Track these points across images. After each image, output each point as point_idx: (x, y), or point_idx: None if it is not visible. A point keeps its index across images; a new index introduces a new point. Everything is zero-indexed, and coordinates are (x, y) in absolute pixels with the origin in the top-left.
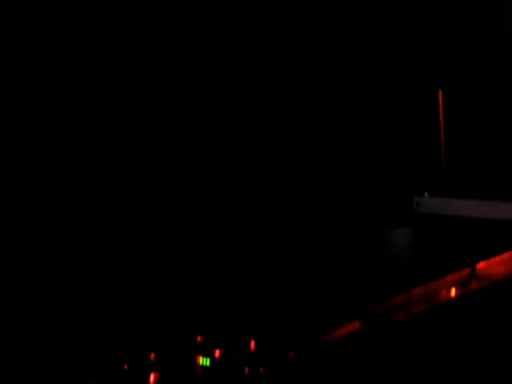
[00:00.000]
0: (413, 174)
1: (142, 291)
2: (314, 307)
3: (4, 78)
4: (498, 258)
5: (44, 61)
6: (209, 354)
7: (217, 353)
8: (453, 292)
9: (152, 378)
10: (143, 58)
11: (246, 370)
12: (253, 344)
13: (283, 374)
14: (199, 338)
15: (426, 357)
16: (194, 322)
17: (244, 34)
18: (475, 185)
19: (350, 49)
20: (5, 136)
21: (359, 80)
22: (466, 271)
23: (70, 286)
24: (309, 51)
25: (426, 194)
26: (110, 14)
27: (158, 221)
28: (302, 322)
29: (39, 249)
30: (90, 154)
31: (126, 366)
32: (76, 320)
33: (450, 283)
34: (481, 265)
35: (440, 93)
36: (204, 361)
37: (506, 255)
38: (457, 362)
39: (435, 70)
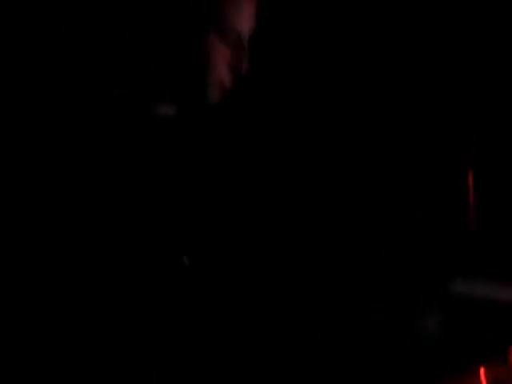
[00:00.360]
0: (445, 256)
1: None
2: None
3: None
4: None
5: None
6: None
7: None
8: None
9: None
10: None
11: None
12: None
13: None
14: None
15: None
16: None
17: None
18: (510, 267)
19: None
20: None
21: (392, 156)
22: (501, 365)
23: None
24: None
25: (459, 276)
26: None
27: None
28: None
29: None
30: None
31: None
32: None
33: (482, 375)
34: None
35: (471, 173)
36: None
37: None
38: None
39: (466, 150)
